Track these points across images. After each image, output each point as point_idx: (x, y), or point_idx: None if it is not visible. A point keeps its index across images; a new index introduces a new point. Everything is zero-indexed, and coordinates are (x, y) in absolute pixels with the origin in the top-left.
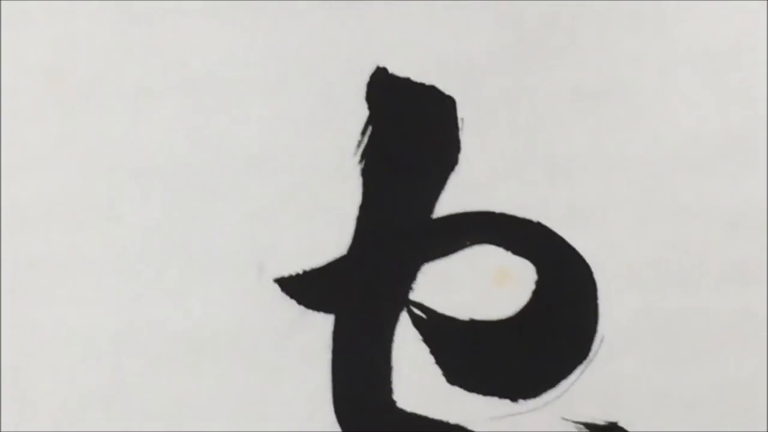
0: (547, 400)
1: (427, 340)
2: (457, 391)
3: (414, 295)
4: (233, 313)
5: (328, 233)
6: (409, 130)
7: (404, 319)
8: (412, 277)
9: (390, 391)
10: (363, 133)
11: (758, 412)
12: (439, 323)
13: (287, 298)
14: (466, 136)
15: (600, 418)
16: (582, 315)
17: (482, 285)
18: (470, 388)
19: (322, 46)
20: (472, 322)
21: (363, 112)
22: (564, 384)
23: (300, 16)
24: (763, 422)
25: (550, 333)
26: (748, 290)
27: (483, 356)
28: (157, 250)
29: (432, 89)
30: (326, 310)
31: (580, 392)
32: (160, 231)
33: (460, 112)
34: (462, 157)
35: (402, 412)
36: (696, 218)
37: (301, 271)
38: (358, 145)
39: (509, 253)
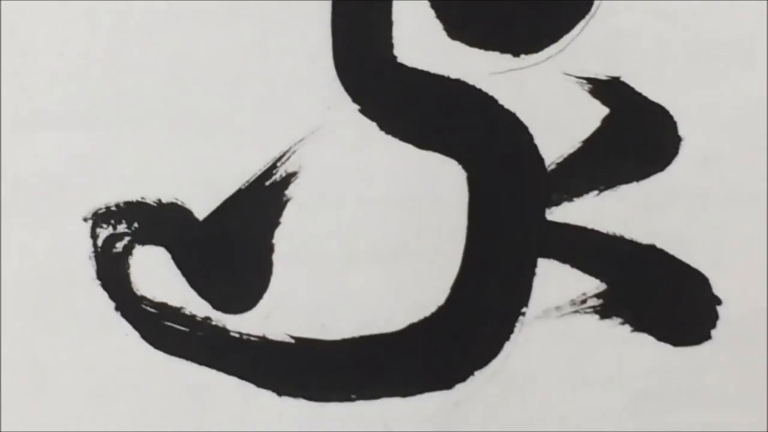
0: (549, 54)
1: None
2: (458, 46)
3: None
4: None
5: None
6: None
7: None
8: None
9: (391, 46)
10: None
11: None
12: None
13: None
14: None
15: (602, 73)
16: None
17: None
18: (471, 42)
19: None
20: None
21: None
22: (566, 38)
23: None
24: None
25: None
26: None
27: (484, 9)
28: None
29: None
30: None
31: (582, 47)
32: None
33: None
34: None
35: (402, 66)
36: None
37: None
38: None
39: None
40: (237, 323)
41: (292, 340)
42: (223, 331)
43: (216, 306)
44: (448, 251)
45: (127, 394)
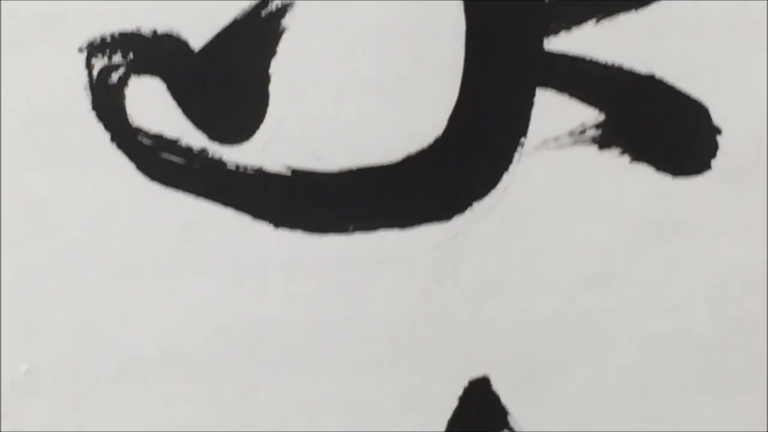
0: None
1: None
2: None
3: None
4: None
5: None
6: None
7: None
8: None
9: None
10: None
11: None
12: None
13: None
14: None
15: None
16: None
17: None
18: None
19: None
20: None
21: None
22: None
23: None
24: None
25: None
26: None
27: None
28: None
29: None
30: None
31: None
32: None
33: None
34: None
35: None
36: None
37: None
38: None
39: None
40: (233, 155)
41: (289, 172)
42: (220, 163)
43: (212, 137)
44: (446, 81)
45: (123, 226)
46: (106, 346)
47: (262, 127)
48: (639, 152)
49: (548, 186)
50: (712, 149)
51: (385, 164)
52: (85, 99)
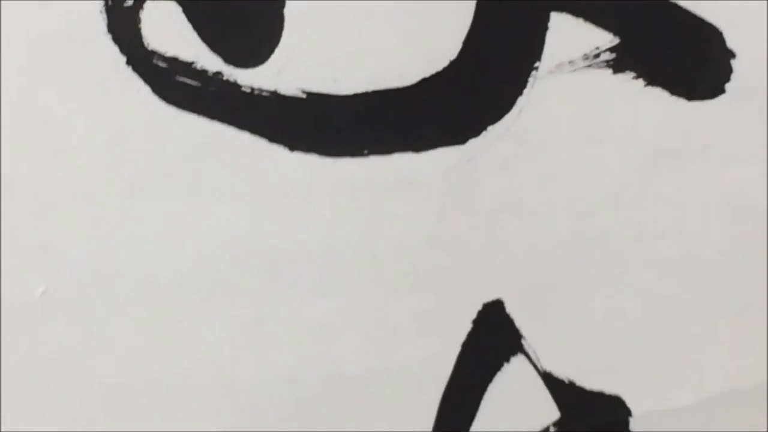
0: None
1: None
2: None
3: None
4: None
5: None
6: None
7: None
8: None
9: None
10: None
11: None
12: None
13: None
14: None
15: None
16: None
17: None
18: None
19: None
20: None
21: None
22: None
23: None
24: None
25: None
26: None
27: None
28: None
29: None
30: None
31: None
32: None
33: None
34: None
35: None
36: None
37: None
38: None
39: None
40: (249, 78)
41: (304, 95)
42: (235, 86)
43: (228, 60)
44: (461, 5)
45: (138, 148)
46: (121, 269)
47: (278, 50)
48: (653, 76)
49: (563, 109)
50: (725, 73)
51: (400, 87)
52: (100, 22)
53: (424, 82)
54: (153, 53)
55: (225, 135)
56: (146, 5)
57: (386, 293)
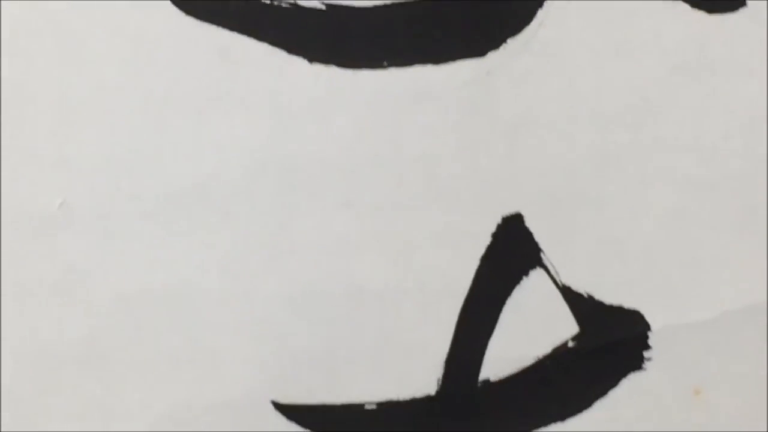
0: None
1: None
2: None
3: None
4: None
5: None
6: None
7: None
8: None
9: None
10: None
11: None
12: None
13: None
14: None
15: None
16: None
17: None
18: None
19: None
20: None
21: None
22: None
23: None
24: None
25: None
26: None
27: None
28: None
29: None
30: None
31: None
32: None
33: None
34: None
35: None
36: None
37: None
38: None
39: None
40: None
41: (324, 6)
42: None
43: None
44: None
45: (157, 60)
46: (139, 181)
47: None
48: None
49: (583, 22)
50: None
51: None
52: None
53: None
54: None
55: (244, 46)
56: None
57: (405, 206)
